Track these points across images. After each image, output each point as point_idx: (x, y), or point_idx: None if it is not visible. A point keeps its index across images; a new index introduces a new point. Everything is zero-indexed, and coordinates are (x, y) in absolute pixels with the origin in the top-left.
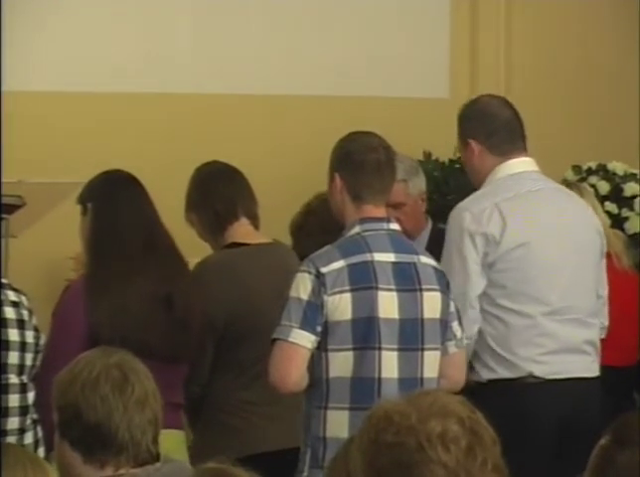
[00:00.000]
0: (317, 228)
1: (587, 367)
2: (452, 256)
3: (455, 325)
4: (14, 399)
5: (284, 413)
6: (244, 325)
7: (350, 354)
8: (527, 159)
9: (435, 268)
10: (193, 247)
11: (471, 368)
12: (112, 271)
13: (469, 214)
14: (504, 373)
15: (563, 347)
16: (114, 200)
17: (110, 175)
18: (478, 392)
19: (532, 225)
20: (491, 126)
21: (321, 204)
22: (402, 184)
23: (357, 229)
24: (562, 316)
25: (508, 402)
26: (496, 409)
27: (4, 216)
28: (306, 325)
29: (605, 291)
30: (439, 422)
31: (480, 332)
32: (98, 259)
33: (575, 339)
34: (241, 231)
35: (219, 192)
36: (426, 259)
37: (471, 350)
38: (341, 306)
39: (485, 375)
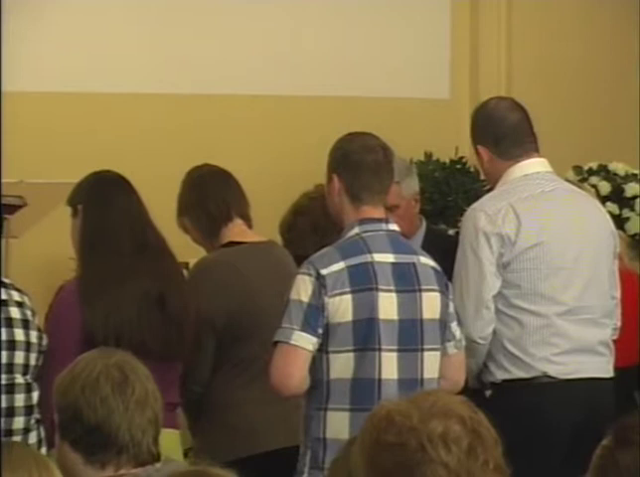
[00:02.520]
0: (307, 227)
1: (602, 367)
2: (467, 257)
3: (454, 326)
4: (19, 399)
5: (285, 412)
6: (244, 322)
7: (351, 355)
8: (540, 160)
9: (434, 269)
10: (191, 249)
11: (485, 368)
12: (104, 272)
13: (484, 214)
14: (518, 373)
15: (578, 347)
16: (104, 201)
17: (99, 176)
18: (492, 392)
19: (546, 225)
20: (497, 132)
21: (309, 203)
22: (396, 186)
23: (356, 230)
24: (577, 316)
25: (522, 403)
26: (510, 409)
27: (5, 216)
28: (307, 327)
29: (618, 292)
30: (441, 423)
31: (495, 332)
32: (90, 260)
33: (590, 339)
34: (236, 230)
35: (211, 194)
36: (426, 260)
37: (486, 350)
38: (341, 308)
39: (500, 375)
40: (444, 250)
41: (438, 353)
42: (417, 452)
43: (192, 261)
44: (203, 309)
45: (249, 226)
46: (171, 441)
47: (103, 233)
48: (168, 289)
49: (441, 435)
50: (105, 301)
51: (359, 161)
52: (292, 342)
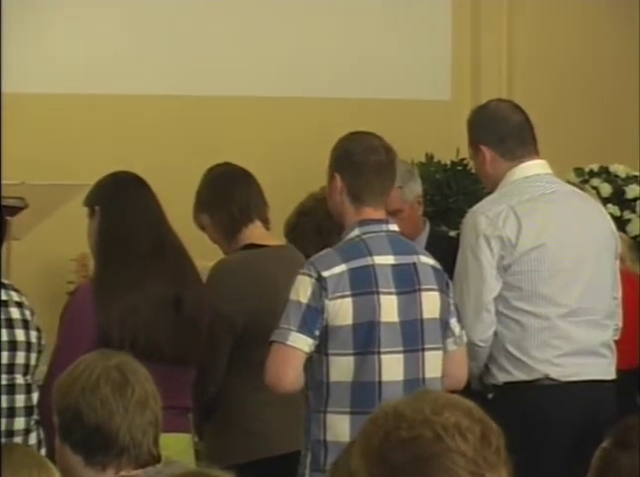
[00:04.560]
0: (311, 228)
1: (604, 369)
2: (468, 260)
3: (453, 322)
4: (20, 400)
5: (299, 415)
6: (264, 325)
7: (351, 358)
8: (540, 162)
9: (434, 268)
10: (199, 250)
11: (487, 370)
12: (121, 273)
13: (484, 217)
14: (520, 375)
15: (580, 349)
16: (122, 202)
17: (118, 177)
18: (494, 394)
19: (547, 227)
20: (502, 131)
21: (314, 204)
22: (398, 191)
23: (356, 231)
24: (579, 318)
25: (524, 405)
26: (512, 412)
27: (6, 218)
28: (305, 329)
29: (619, 293)
30: (452, 413)
31: (496, 335)
32: (107, 261)
33: (591, 341)
34: (257, 233)
35: (233, 194)
36: (426, 259)
37: (487, 353)
38: (342, 311)
39: (501, 377)
40: (448, 253)
41: (440, 352)
42: (434, 443)
43: (199, 263)
44: (222, 310)
45: (268, 228)
46: (184, 445)
47: (121, 233)
48: (185, 291)
49: (455, 425)
50: (122, 303)
51: (362, 162)
52: (289, 343)
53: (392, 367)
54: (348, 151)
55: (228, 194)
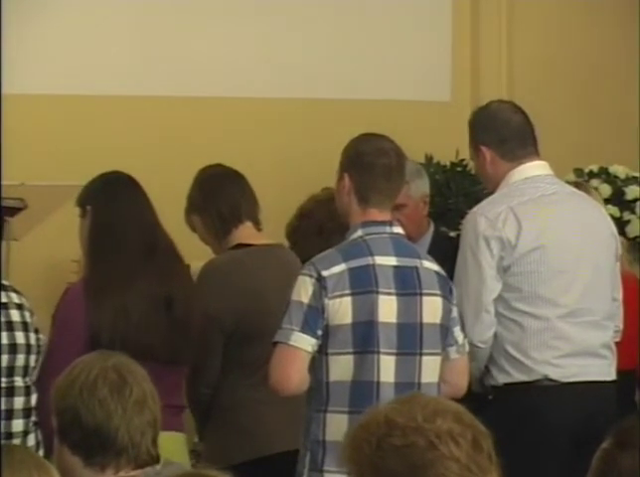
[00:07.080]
0: (312, 230)
1: (604, 370)
2: (467, 261)
3: (457, 331)
4: (19, 402)
5: (296, 413)
6: (254, 324)
7: (350, 357)
8: (540, 163)
9: (438, 273)
10: (194, 251)
11: (487, 371)
12: (112, 273)
13: (484, 218)
14: (520, 376)
15: (579, 350)
16: (114, 202)
17: (109, 177)
18: (494, 395)
19: (547, 228)
20: (503, 132)
21: (315, 206)
22: (405, 186)
23: (359, 232)
24: (578, 318)
25: (524, 406)
26: (512, 413)
27: (5, 218)
28: (307, 328)
29: (620, 294)
30: (444, 420)
31: (496, 336)
32: (98, 261)
33: (591, 342)
34: (246, 233)
35: (223, 195)
36: (429, 264)
37: (487, 354)
38: (341, 310)
39: (501, 379)
40: (451, 254)
41: (438, 358)
42: (428, 450)
43: (195, 264)
44: (212, 310)
45: (259, 229)
46: (177, 444)
47: (112, 234)
48: (175, 292)
49: (448, 431)
50: (112, 303)
51: (371, 163)
52: (292, 343)
53: (386, 368)
54: (358, 152)
55: (217, 195)
